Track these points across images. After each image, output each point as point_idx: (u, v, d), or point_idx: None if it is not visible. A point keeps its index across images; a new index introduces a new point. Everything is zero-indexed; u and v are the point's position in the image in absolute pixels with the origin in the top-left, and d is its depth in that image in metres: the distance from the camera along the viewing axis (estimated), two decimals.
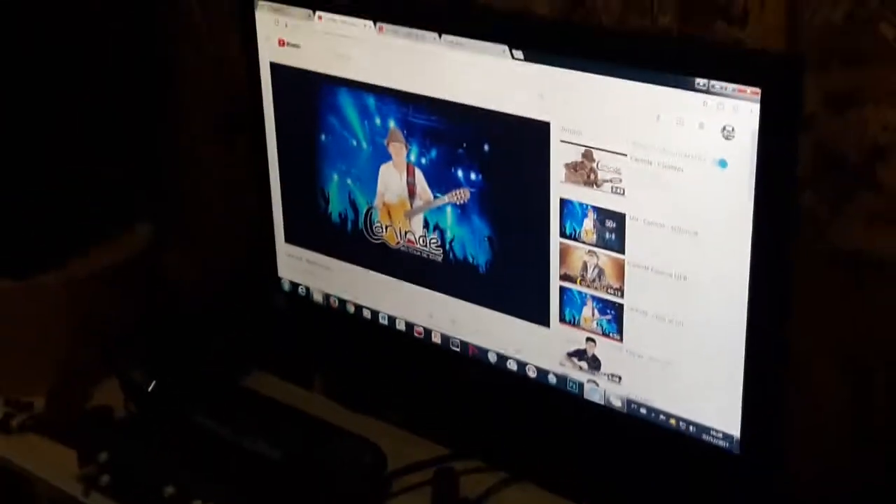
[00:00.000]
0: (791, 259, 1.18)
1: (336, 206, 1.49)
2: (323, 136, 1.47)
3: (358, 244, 1.48)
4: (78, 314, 1.59)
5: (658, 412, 1.27)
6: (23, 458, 1.50)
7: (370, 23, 1.37)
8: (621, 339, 1.28)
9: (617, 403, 1.30)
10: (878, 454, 1.27)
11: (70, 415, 1.54)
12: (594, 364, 1.31)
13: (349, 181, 1.47)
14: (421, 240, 1.42)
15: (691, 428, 1.25)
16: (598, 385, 1.31)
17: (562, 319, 1.32)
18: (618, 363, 1.29)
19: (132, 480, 1.38)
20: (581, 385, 1.33)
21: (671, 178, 1.19)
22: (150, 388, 1.54)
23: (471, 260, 1.38)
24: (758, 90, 1.11)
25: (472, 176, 1.34)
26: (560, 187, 1.28)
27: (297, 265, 1.57)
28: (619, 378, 1.29)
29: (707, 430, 1.24)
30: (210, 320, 1.68)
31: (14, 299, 1.61)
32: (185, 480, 1.33)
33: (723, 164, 1.15)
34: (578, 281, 1.29)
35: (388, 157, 1.42)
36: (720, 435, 1.23)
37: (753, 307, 1.17)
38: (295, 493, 1.35)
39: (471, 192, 1.35)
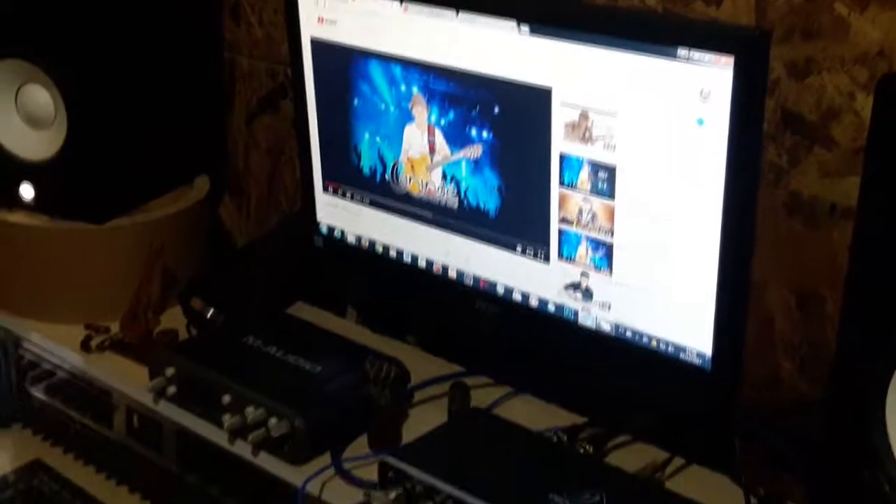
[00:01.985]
0: (756, 202, 1.18)
1: (367, 161, 1.49)
2: (356, 101, 1.46)
3: (385, 193, 1.48)
4: (147, 252, 1.58)
5: (642, 335, 1.28)
6: (102, 373, 1.51)
7: (396, 3, 1.36)
8: (611, 273, 1.28)
9: (606, 328, 1.31)
10: (823, 371, 1.27)
11: (141, 337, 1.54)
12: (587, 294, 1.31)
13: (378, 139, 1.46)
14: (440, 189, 1.42)
15: (670, 348, 1.25)
16: (590, 312, 1.32)
17: (560, 257, 1.32)
18: (608, 293, 1.29)
19: (194, 391, 1.38)
20: (576, 312, 1.33)
21: (656, 135, 1.19)
22: (208, 316, 1.55)
23: (482, 206, 1.38)
24: (731, 58, 1.11)
25: (484, 134, 1.34)
26: (560, 144, 1.27)
27: (334, 211, 1.56)
28: (609, 306, 1.29)
29: (683, 349, 1.24)
30: (259, 259, 1.68)
31: (94, 240, 1.61)
32: (239, 390, 1.34)
33: (700, 121, 1.14)
34: (575, 224, 1.29)
35: (411, 119, 1.41)
36: (694, 353, 1.23)
37: (724, 243, 1.17)
38: (331, 402, 1.35)
39: (483, 149, 1.35)
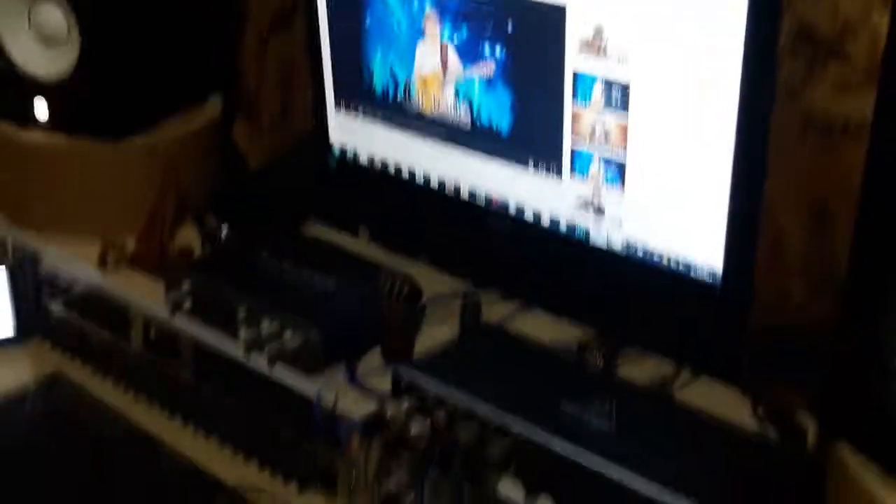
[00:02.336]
0: (769, 119, 1.15)
1: (379, 80, 1.46)
2: (368, 19, 1.43)
3: (398, 112, 1.46)
4: (162, 170, 1.57)
5: (653, 252, 1.26)
6: (118, 288, 1.50)
7: None
8: (623, 190, 1.26)
9: (618, 245, 1.29)
10: (834, 289, 1.26)
11: (157, 253, 1.53)
12: (599, 212, 1.29)
13: (391, 58, 1.43)
14: (452, 107, 1.39)
15: (681, 265, 1.24)
16: (602, 230, 1.30)
17: (572, 174, 1.30)
18: (620, 211, 1.27)
19: (210, 305, 1.38)
20: (587, 230, 1.31)
21: (670, 51, 1.16)
22: (222, 234, 1.53)
23: (495, 124, 1.35)
24: None
25: (497, 52, 1.31)
26: (573, 61, 1.25)
27: (346, 131, 1.54)
28: (621, 223, 1.28)
29: (694, 266, 1.23)
30: (273, 179, 1.67)
31: (109, 158, 1.59)
32: (254, 304, 1.33)
33: (715, 36, 1.11)
34: (587, 141, 1.27)
35: (424, 36, 1.38)
36: (705, 270, 1.22)
37: (737, 160, 1.15)
38: (345, 315, 1.34)
39: (496, 66, 1.32)
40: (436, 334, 1.35)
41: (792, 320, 1.28)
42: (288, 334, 1.30)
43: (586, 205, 1.30)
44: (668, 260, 1.25)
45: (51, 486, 1.29)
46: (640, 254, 1.27)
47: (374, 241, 1.61)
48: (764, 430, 1.18)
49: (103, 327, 1.52)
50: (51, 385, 1.50)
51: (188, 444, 1.40)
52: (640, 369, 1.29)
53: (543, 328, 1.38)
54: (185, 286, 1.39)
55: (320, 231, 1.62)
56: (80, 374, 1.54)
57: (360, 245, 1.59)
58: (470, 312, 1.38)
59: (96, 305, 1.52)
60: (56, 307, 1.58)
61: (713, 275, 1.21)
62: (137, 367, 1.48)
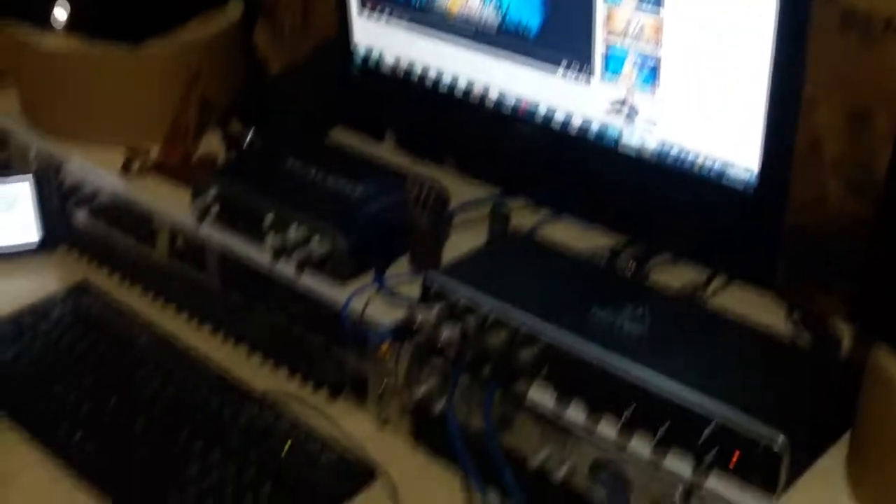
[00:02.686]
0: (809, 15, 1.12)
1: None
2: None
3: (424, 14, 1.43)
4: (184, 76, 1.55)
5: (687, 152, 1.24)
6: (143, 196, 1.50)
7: None
8: (657, 89, 1.23)
9: (651, 147, 1.27)
10: (872, 191, 1.24)
11: (181, 160, 1.52)
12: (632, 113, 1.27)
13: None
14: (480, 6, 1.36)
15: (716, 165, 1.22)
16: (634, 131, 1.28)
17: (605, 74, 1.28)
18: (653, 111, 1.25)
19: (236, 212, 1.37)
20: (620, 132, 1.29)
21: None
22: (247, 140, 1.53)
23: (524, 23, 1.32)
24: None
25: None
26: None
27: (370, 34, 1.52)
28: (654, 124, 1.26)
29: (730, 165, 1.21)
30: (297, 84, 1.65)
31: (130, 63, 1.57)
32: (280, 210, 1.32)
33: None
34: (621, 39, 1.24)
35: None
36: (741, 171, 1.20)
37: (776, 57, 1.12)
38: (372, 221, 1.34)
39: None
40: (463, 242, 1.35)
41: (828, 223, 1.26)
42: (315, 241, 1.30)
43: (618, 107, 1.28)
44: (703, 162, 1.23)
45: (80, 392, 1.31)
46: (673, 157, 1.26)
47: (400, 148, 1.60)
48: (798, 335, 1.17)
49: (129, 236, 1.53)
50: (78, 293, 1.51)
51: (217, 352, 1.41)
52: (673, 276, 1.28)
53: (573, 236, 1.37)
54: (211, 193, 1.39)
55: (345, 137, 1.61)
56: (106, 283, 1.55)
57: (386, 151, 1.58)
58: (498, 220, 1.37)
59: (121, 214, 1.53)
60: (81, 216, 1.58)
61: (749, 176, 1.20)
62: (164, 275, 1.49)
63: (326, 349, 1.32)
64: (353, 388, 1.31)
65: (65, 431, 1.25)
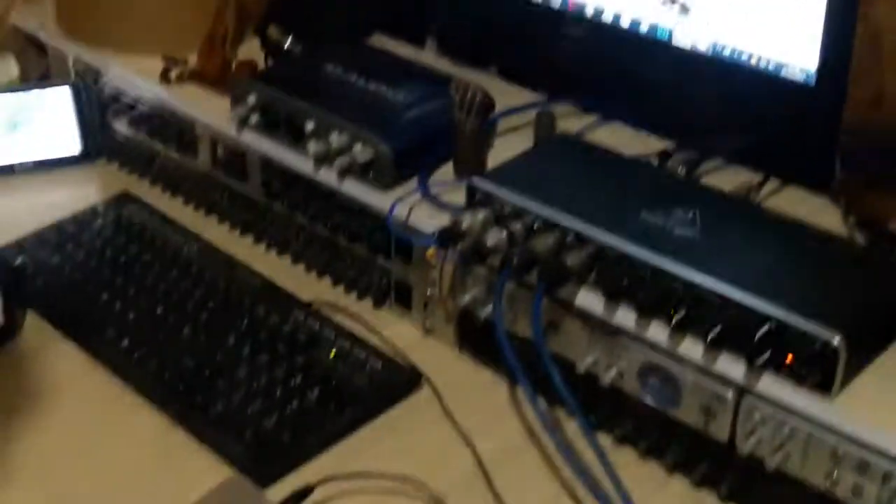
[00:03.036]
0: None
1: None
2: None
3: None
4: None
5: (741, 52, 1.22)
6: (182, 104, 1.50)
7: None
8: None
9: (703, 46, 1.25)
10: None
11: (220, 68, 1.51)
12: (684, 10, 1.24)
13: None
14: None
15: (771, 64, 1.19)
16: (686, 30, 1.25)
17: None
18: (706, 7, 1.22)
19: (277, 118, 1.37)
20: (671, 31, 1.27)
21: None
22: (286, 45, 1.51)
23: None
24: None
25: None
26: None
27: None
28: (707, 21, 1.23)
29: (786, 64, 1.18)
30: None
31: None
32: (322, 117, 1.32)
33: None
34: None
35: None
36: (796, 70, 1.17)
37: None
38: (416, 127, 1.33)
39: None
40: (509, 149, 1.33)
41: (886, 122, 1.24)
42: (358, 147, 1.29)
43: (670, 2, 1.25)
44: (758, 60, 1.20)
45: (125, 300, 1.32)
46: (727, 55, 1.23)
47: (442, 54, 1.57)
48: (854, 237, 1.16)
49: (169, 146, 1.53)
50: (120, 204, 1.52)
51: (260, 262, 1.41)
52: (724, 179, 1.27)
53: (621, 141, 1.35)
54: (250, 100, 1.38)
55: (386, 42, 1.59)
56: (148, 193, 1.56)
57: (427, 57, 1.56)
58: (544, 126, 1.36)
59: (161, 124, 1.52)
60: (121, 126, 1.59)
61: (806, 74, 1.17)
62: (206, 185, 1.49)
63: (370, 258, 1.32)
64: (398, 297, 1.31)
65: (111, 339, 1.27)
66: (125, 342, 1.26)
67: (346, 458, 1.12)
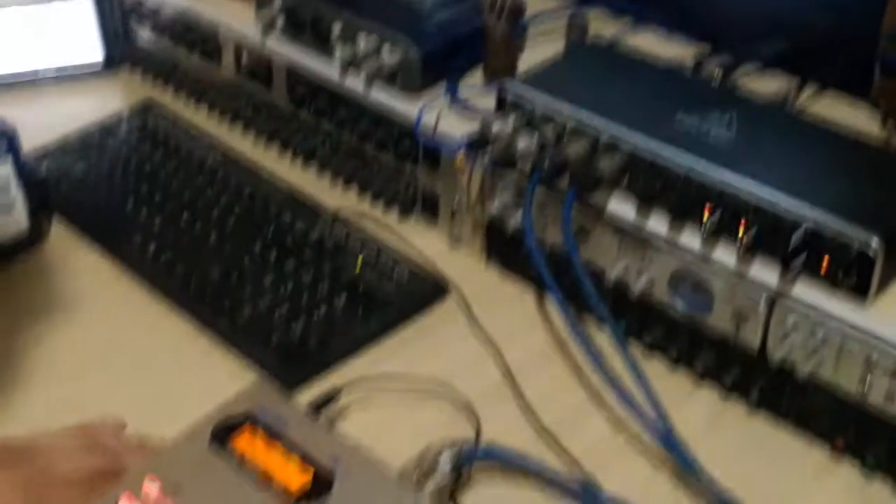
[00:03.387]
0: None
1: None
2: None
3: None
4: None
5: None
6: (207, 9, 1.48)
7: None
8: None
9: None
10: None
11: None
12: None
13: None
14: None
15: None
16: None
17: None
18: None
19: (303, 22, 1.35)
20: None
21: None
22: None
23: None
24: None
25: None
26: None
27: None
28: None
29: None
30: None
31: None
32: (349, 19, 1.30)
33: None
34: None
35: None
36: None
37: None
38: (445, 30, 1.31)
39: None
40: (539, 54, 1.31)
41: None
42: (385, 51, 1.28)
43: None
44: None
45: (150, 207, 1.33)
46: None
47: None
48: (892, 142, 1.14)
49: (193, 53, 1.52)
50: (144, 112, 1.52)
51: (286, 171, 1.41)
52: (761, 85, 1.25)
53: (655, 46, 1.33)
54: (276, 4, 1.37)
55: None
56: (172, 102, 1.56)
57: None
58: (575, 31, 1.33)
59: (185, 30, 1.51)
60: (144, 34, 1.58)
61: None
62: (231, 93, 1.49)
63: (397, 167, 1.31)
64: (425, 206, 1.31)
65: (138, 245, 1.27)
66: (151, 249, 1.26)
67: (373, 364, 1.13)
